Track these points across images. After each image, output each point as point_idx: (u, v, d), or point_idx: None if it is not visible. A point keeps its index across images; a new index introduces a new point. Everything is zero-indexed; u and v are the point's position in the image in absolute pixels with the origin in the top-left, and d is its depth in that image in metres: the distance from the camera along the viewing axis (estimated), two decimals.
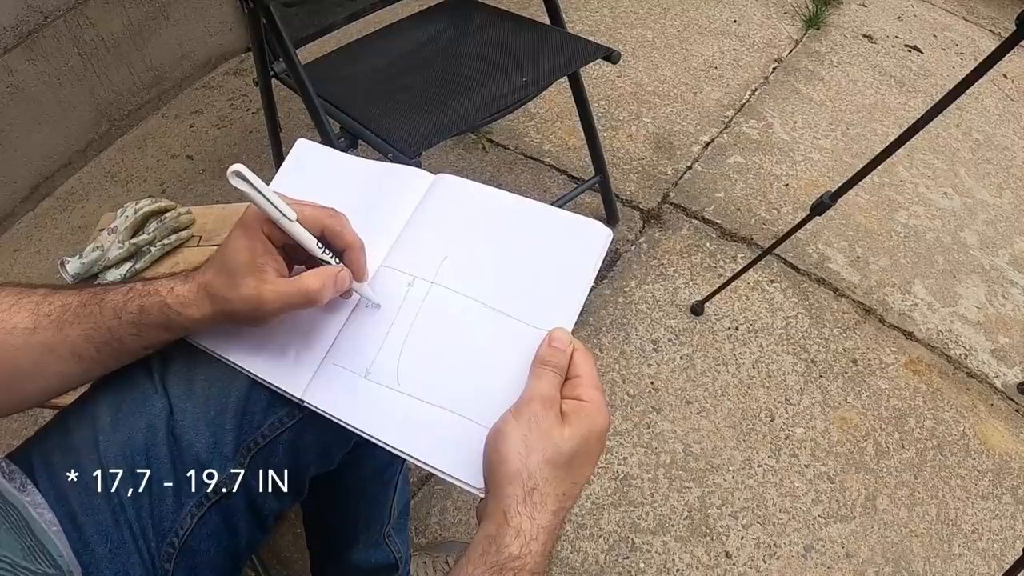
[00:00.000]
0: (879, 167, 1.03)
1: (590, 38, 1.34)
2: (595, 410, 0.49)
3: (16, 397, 0.55)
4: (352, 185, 0.67)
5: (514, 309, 0.56)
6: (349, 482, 0.83)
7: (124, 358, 0.57)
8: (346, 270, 0.56)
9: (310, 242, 0.54)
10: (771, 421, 1.34)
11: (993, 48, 0.82)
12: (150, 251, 1.01)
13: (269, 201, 0.51)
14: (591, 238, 0.58)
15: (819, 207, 1.13)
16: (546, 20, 1.41)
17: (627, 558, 1.17)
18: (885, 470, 1.28)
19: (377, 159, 0.71)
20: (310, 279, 0.53)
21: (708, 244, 1.64)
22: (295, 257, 0.57)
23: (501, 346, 0.55)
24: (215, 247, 1.05)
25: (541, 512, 0.46)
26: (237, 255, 0.53)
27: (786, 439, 1.32)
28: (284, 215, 0.52)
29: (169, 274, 0.57)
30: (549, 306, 0.56)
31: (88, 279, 1.00)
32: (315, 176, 0.68)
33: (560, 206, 1.57)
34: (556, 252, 0.58)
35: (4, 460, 0.54)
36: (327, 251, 0.55)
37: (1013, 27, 0.78)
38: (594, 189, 1.62)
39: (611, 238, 0.58)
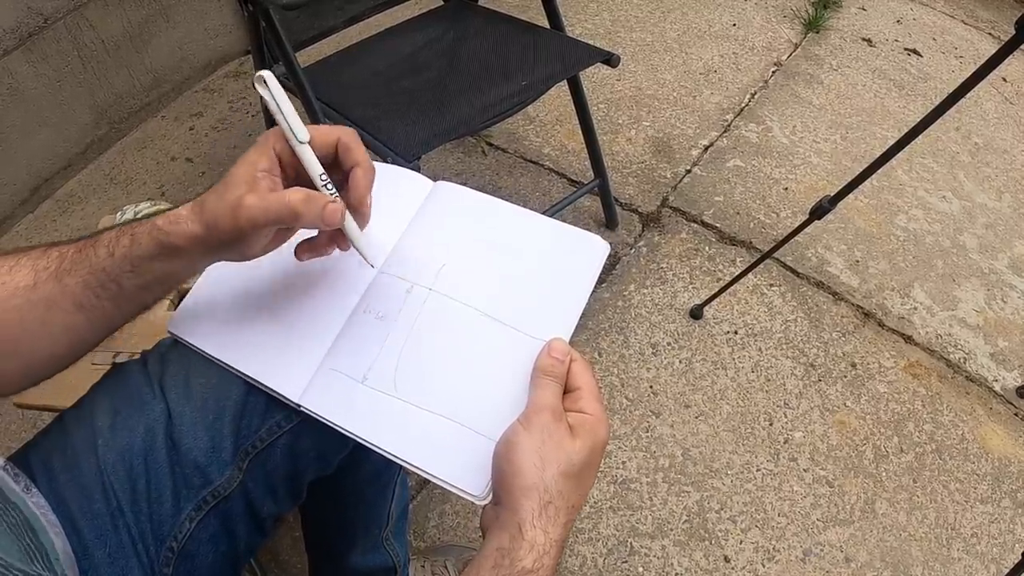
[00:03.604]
0: (878, 171, 1.03)
1: (590, 42, 1.35)
2: (598, 422, 0.49)
3: (25, 362, 0.53)
4: None
5: (511, 318, 0.56)
6: (347, 486, 0.83)
7: (125, 305, 0.54)
8: (340, 203, 0.52)
9: (315, 169, 0.52)
10: (770, 425, 1.34)
11: (993, 52, 0.82)
12: None
13: (284, 117, 0.50)
14: (589, 252, 0.58)
15: (818, 211, 1.14)
16: (545, 24, 1.41)
17: (626, 562, 1.16)
18: (884, 474, 1.28)
19: (376, 162, 0.71)
20: (294, 192, 0.50)
21: (707, 248, 1.64)
22: (302, 184, 0.54)
23: (498, 354, 0.55)
24: None
25: (554, 525, 0.45)
26: (237, 168, 0.51)
27: (785, 443, 1.31)
28: (295, 135, 0.50)
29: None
30: (546, 316, 0.56)
31: None
32: None
33: (559, 210, 1.55)
34: (554, 264, 0.58)
35: (9, 463, 0.53)
36: (329, 184, 0.53)
37: (1012, 31, 0.78)
38: (593, 193, 1.62)
39: (608, 252, 0.58)
